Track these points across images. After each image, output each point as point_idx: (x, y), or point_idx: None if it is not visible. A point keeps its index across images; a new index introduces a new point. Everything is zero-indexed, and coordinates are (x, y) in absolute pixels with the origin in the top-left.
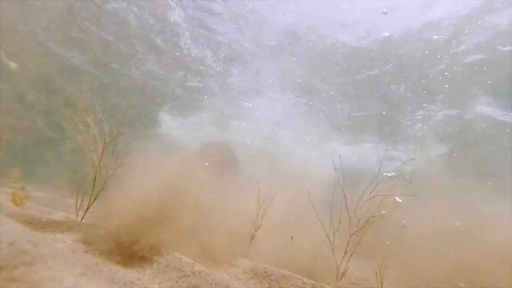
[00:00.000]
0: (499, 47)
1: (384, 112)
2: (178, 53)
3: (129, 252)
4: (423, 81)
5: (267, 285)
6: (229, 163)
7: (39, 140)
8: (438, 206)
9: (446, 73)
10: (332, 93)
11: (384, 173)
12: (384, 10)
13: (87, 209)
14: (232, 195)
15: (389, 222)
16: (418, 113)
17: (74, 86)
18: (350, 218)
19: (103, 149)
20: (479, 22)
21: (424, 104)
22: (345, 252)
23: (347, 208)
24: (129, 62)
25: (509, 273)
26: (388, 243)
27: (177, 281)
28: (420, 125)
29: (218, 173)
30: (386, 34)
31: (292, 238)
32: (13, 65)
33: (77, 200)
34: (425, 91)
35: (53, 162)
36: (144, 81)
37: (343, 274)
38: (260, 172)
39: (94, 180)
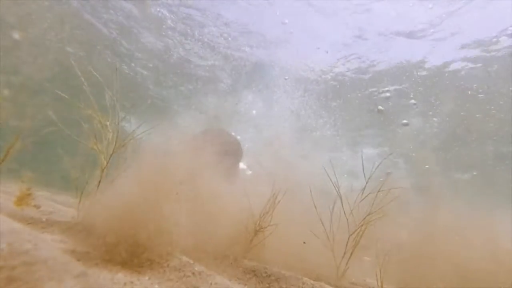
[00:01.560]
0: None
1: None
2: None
3: (129, 252)
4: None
5: (267, 285)
6: (232, 152)
7: (43, 138)
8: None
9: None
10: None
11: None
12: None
13: (88, 209)
14: (234, 191)
15: (388, 221)
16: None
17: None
18: (347, 219)
19: (113, 152)
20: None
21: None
22: (345, 252)
23: (343, 209)
24: (125, 60)
25: (506, 275)
26: (385, 242)
27: (177, 281)
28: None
29: (219, 163)
30: None
31: (304, 242)
32: (16, 35)
33: (79, 201)
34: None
35: (54, 161)
36: (139, 82)
37: (343, 274)
38: (264, 169)
39: (99, 181)
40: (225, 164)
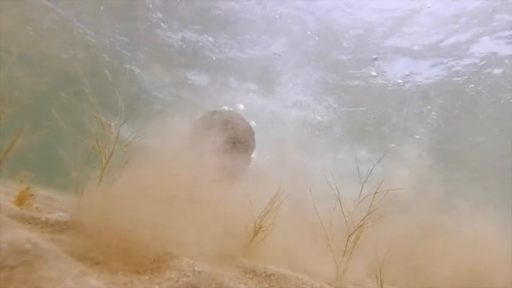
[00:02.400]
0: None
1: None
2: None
3: (129, 252)
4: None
5: (267, 285)
6: (243, 143)
7: (45, 137)
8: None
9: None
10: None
11: None
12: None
13: (88, 208)
14: (237, 190)
15: (388, 221)
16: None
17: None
18: (346, 220)
19: (112, 151)
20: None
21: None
22: (344, 252)
23: (342, 211)
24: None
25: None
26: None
27: (177, 281)
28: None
29: (227, 157)
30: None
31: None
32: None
33: (79, 200)
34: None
35: (55, 161)
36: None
37: (343, 274)
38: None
39: (99, 180)
40: (234, 157)
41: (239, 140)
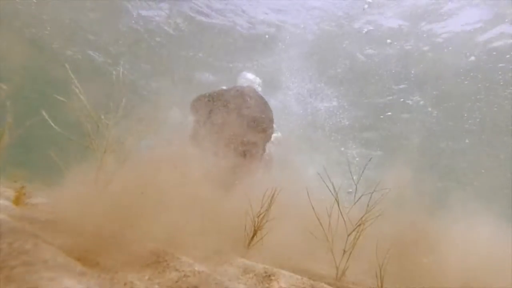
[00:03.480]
0: None
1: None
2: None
3: (129, 251)
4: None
5: (267, 285)
6: (258, 120)
7: (42, 137)
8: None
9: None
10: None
11: None
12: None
13: (87, 208)
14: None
15: (387, 221)
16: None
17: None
18: (344, 220)
19: (105, 151)
20: None
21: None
22: (344, 252)
23: (340, 210)
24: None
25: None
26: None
27: (177, 281)
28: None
29: (241, 137)
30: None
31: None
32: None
33: (79, 200)
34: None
35: (54, 161)
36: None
37: (343, 273)
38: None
39: (97, 180)
40: (250, 139)
41: (254, 119)
